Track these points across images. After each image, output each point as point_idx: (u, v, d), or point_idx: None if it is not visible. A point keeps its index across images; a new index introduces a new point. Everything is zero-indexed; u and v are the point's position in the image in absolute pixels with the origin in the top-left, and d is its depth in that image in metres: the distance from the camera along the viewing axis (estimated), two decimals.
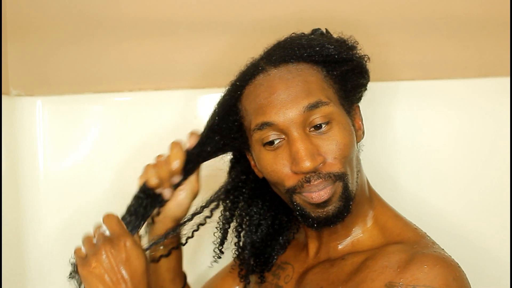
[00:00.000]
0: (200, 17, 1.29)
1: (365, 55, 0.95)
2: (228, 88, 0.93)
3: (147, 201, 0.97)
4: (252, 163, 0.98)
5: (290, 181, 0.87)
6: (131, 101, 1.31)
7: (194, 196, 1.01)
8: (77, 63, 1.31)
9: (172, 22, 1.29)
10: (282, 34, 0.94)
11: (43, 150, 1.29)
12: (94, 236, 0.92)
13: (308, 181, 0.85)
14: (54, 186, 1.29)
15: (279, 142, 0.87)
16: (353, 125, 0.91)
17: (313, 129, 0.86)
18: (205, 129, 0.97)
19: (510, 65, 1.25)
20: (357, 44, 0.95)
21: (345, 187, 0.86)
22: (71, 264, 0.95)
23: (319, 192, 0.85)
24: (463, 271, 0.81)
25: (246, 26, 1.28)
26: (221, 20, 1.29)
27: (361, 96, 0.98)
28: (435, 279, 0.77)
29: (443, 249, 0.86)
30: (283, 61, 0.89)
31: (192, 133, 0.99)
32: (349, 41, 0.95)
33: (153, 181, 0.96)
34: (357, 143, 0.92)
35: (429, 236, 0.89)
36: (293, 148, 0.85)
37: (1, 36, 1.27)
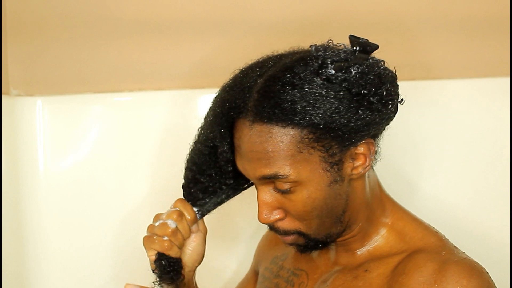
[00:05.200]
0: (200, 17, 1.29)
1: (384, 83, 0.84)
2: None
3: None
4: None
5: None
6: (131, 101, 1.31)
7: (205, 236, 0.97)
8: (77, 63, 1.31)
9: (173, 22, 1.29)
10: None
11: (43, 150, 1.29)
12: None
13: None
14: (54, 186, 1.29)
15: None
16: (340, 175, 0.82)
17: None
18: None
19: (510, 65, 1.25)
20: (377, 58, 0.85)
21: (307, 239, 0.87)
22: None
23: (282, 237, 0.88)
24: (488, 273, 0.82)
25: (246, 26, 1.28)
26: (221, 20, 1.29)
27: (378, 133, 0.87)
28: None
29: (463, 252, 0.86)
30: (260, 120, 0.79)
31: None
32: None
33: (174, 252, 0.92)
34: (368, 169, 0.85)
35: (448, 239, 0.89)
36: (257, 197, 0.86)
37: (1, 36, 1.27)
